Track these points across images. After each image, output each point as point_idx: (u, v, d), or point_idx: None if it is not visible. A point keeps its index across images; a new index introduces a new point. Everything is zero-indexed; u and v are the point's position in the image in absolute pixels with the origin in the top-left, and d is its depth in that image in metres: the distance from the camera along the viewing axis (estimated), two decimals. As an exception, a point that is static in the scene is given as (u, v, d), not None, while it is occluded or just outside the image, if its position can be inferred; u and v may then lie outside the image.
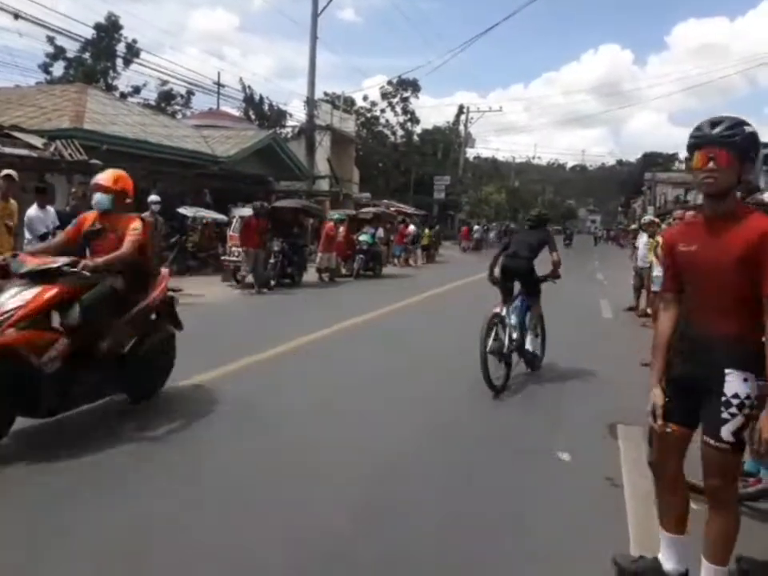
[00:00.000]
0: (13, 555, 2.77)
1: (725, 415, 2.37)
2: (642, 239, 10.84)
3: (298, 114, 37.77)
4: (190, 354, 5.41)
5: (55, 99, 17.65)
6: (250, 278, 12.72)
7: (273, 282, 13.18)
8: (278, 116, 36.60)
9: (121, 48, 36.37)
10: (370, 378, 6.12)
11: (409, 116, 52.11)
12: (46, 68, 36.80)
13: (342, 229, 16.98)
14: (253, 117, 37.06)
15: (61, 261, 4.13)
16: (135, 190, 4.91)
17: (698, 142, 2.42)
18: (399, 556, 2.87)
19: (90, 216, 4.65)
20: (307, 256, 15.77)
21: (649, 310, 9.52)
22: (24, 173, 8.49)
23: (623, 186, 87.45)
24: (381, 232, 19.13)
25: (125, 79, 38.46)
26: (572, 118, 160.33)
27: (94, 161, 13.37)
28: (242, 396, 5.25)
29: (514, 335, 6.00)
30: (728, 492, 2.47)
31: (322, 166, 27.26)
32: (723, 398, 2.38)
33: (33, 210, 7.71)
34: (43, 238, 7.41)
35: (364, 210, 21.51)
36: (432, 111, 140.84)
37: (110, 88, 34.81)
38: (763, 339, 2.29)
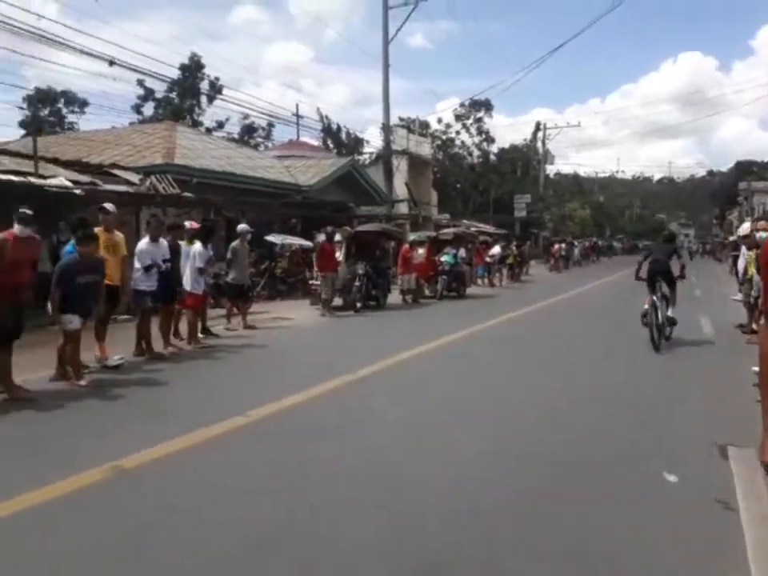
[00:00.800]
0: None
1: None
2: (742, 252, 10.22)
3: (374, 140, 38.50)
4: (277, 376, 5.55)
5: (147, 137, 18.81)
6: (338, 301, 12.98)
7: (359, 305, 13.36)
8: (356, 143, 37.38)
9: (204, 86, 38.51)
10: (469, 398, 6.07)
11: (484, 136, 51.93)
12: (137, 109, 39.38)
13: (422, 250, 17.03)
14: (331, 145, 38.03)
15: None
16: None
17: None
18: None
19: None
20: (391, 278, 15.89)
21: (754, 326, 8.94)
22: (122, 207, 9.04)
23: (716, 197, 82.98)
24: (463, 252, 18.94)
25: (209, 115, 40.52)
26: (655, 129, 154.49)
27: (185, 193, 14.12)
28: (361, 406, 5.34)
29: (667, 312, 8.96)
30: None
31: (400, 189, 27.52)
32: None
33: (143, 243, 8.13)
34: (148, 269, 7.85)
35: (444, 230, 21.47)
36: (507, 130, 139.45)
37: (195, 124, 36.73)
38: None
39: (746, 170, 73.84)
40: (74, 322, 6.34)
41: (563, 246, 33.92)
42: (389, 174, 24.70)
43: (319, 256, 13.12)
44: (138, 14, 65.69)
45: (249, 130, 42.09)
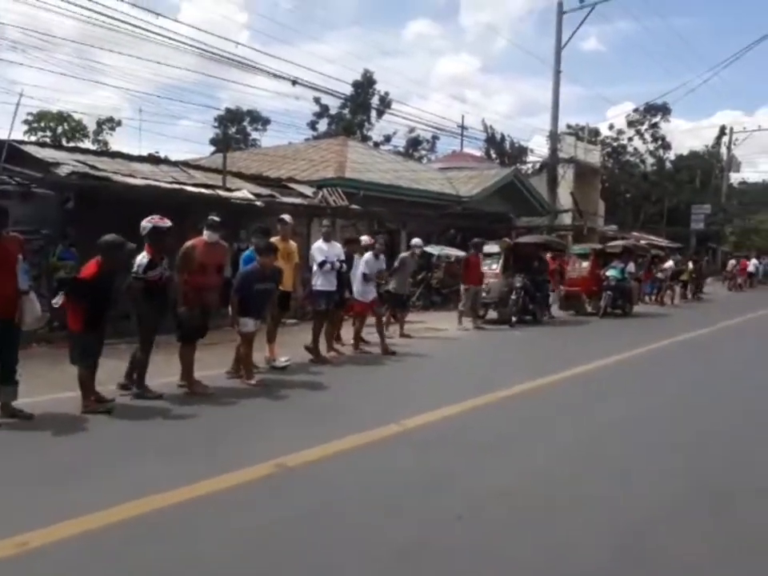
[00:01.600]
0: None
1: None
2: None
3: (539, 149, 37.79)
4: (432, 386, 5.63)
5: (321, 152, 20.03)
6: (492, 314, 12.83)
7: (514, 319, 13.08)
8: (519, 153, 36.82)
9: (374, 101, 40.15)
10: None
11: (659, 142, 48.65)
12: (313, 125, 42.09)
13: (586, 264, 16.27)
14: (494, 155, 37.82)
15: None
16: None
17: None
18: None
19: None
20: (549, 292, 15.39)
21: None
22: (296, 218, 9.71)
23: None
24: (632, 266, 17.66)
25: (378, 129, 42.22)
26: None
27: (353, 206, 14.84)
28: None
29: None
30: None
31: (564, 199, 26.62)
32: None
33: (317, 243, 8.73)
34: (322, 265, 8.36)
35: (612, 243, 20.32)
36: (687, 135, 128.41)
37: (365, 138, 38.47)
38: None
39: None
40: (249, 324, 6.88)
41: (738, 261, 30.12)
42: (553, 184, 24.02)
43: (464, 267, 12.91)
44: (320, 34, 70.01)
45: (414, 143, 43.25)
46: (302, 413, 5.89)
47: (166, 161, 15.91)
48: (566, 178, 26.69)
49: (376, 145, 37.29)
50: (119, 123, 31.66)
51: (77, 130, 29.66)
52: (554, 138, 24.22)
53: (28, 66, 68.20)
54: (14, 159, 10.02)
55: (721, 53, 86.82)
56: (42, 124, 28.78)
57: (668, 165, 49.68)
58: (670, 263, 21.59)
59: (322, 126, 42.32)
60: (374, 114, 41.38)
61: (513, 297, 13.20)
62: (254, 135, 45.09)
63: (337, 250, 8.62)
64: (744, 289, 28.72)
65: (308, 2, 65.14)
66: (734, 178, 51.32)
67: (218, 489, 3.86)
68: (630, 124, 47.64)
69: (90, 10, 12.29)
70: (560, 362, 8.56)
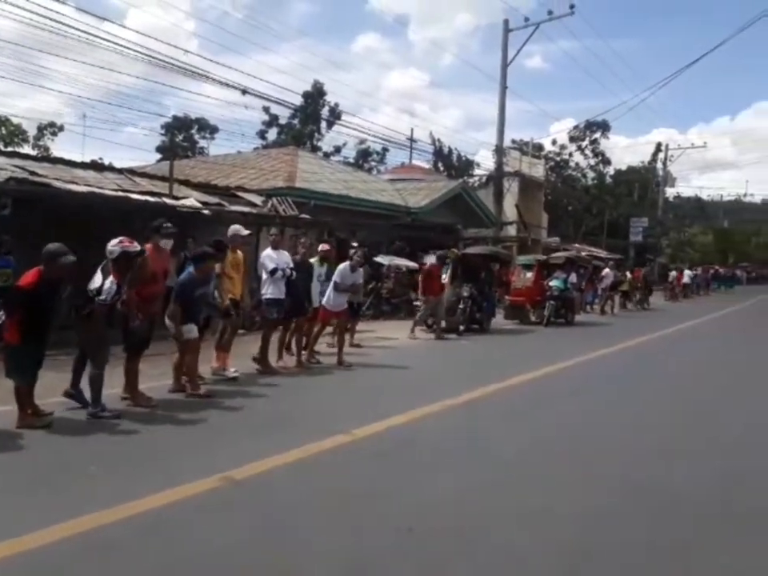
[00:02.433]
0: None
1: None
2: None
3: (485, 162, 38.57)
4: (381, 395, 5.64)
5: (271, 161, 19.93)
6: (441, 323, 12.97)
7: (462, 328, 13.28)
8: (466, 166, 37.49)
9: (325, 112, 40.21)
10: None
11: (600, 157, 50.41)
12: (262, 134, 41.78)
13: (530, 274, 16.65)
14: (442, 168, 38.38)
15: None
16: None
17: None
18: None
19: None
20: (496, 302, 15.69)
21: None
22: (246, 227, 9.59)
23: None
24: (574, 277, 18.28)
25: (328, 140, 42.29)
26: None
27: (303, 215, 14.80)
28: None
29: None
30: None
31: (510, 212, 27.24)
32: None
33: (266, 252, 8.67)
34: (273, 272, 8.29)
35: (555, 254, 20.90)
36: (625, 151, 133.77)
37: (314, 149, 38.43)
38: None
39: None
40: (193, 330, 6.73)
41: (676, 272, 31.64)
42: (498, 196, 24.54)
43: (426, 278, 12.95)
44: (271, 45, 69.90)
45: (364, 155, 43.47)
46: (250, 424, 5.82)
47: (110, 168, 15.48)
48: (512, 191, 27.33)
49: (326, 155, 37.32)
50: (61, 128, 30.78)
51: (15, 134, 28.61)
52: (499, 152, 24.78)
53: (-39, 66, 65.27)
54: (-53, 163, 9.60)
55: (657, 73, 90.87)
56: (-23, 127, 27.70)
57: (608, 179, 51.51)
58: (606, 270, 22.17)
59: (272, 135, 42.15)
60: (324, 124, 41.47)
61: (461, 306, 13.43)
62: (202, 143, 44.56)
63: (286, 257, 8.64)
64: (680, 299, 30.01)
65: (259, 12, 64.97)
66: (670, 192, 53.65)
67: (160, 504, 3.76)
68: (572, 140, 49.21)
69: (31, 12, 11.93)
70: (506, 370, 8.74)
